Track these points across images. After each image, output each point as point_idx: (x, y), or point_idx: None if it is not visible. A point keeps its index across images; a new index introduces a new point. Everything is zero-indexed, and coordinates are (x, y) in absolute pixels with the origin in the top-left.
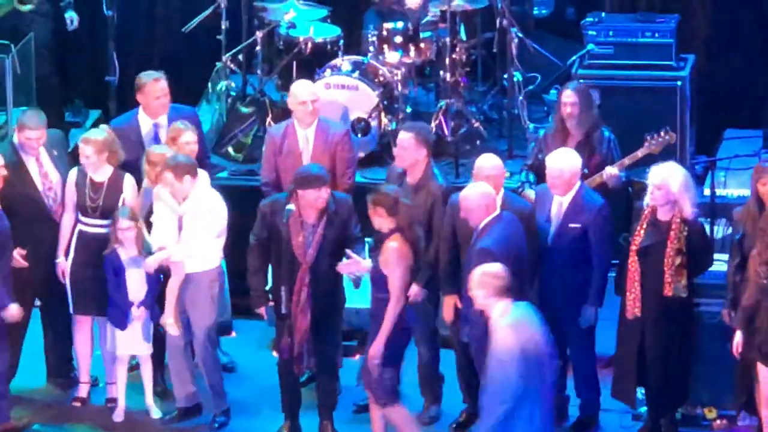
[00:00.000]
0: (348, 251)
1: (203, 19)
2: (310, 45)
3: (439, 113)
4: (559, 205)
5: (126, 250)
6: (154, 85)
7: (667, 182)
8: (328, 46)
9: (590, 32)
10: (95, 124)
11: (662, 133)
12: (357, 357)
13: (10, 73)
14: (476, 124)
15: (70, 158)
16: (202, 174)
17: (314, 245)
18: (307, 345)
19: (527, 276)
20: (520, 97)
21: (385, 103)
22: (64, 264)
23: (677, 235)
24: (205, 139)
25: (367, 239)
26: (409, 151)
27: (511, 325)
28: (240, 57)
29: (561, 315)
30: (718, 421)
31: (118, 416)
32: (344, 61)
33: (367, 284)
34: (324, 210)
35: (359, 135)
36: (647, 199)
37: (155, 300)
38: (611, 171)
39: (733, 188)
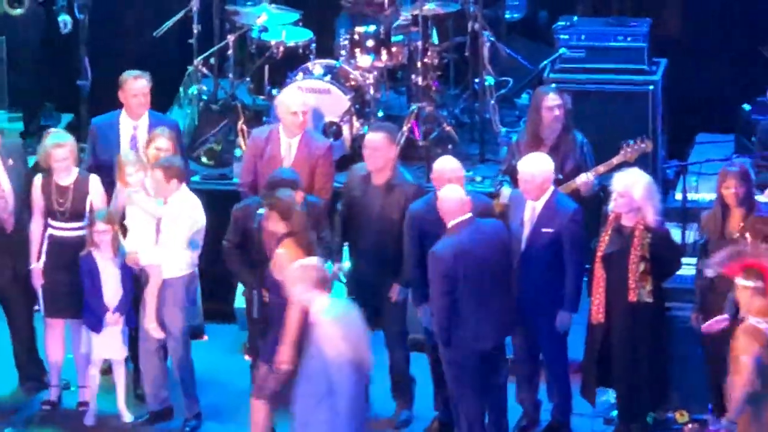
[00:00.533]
0: None
1: (175, 23)
2: (282, 49)
3: (410, 117)
4: (532, 209)
5: (101, 253)
6: (133, 82)
7: (630, 190)
8: (300, 50)
9: (562, 36)
10: (68, 128)
11: (638, 141)
12: None
13: None
14: (448, 128)
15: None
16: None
17: None
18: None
19: (497, 284)
20: (492, 101)
21: (357, 107)
22: (38, 269)
23: (640, 242)
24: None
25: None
26: (382, 151)
27: (334, 318)
28: (212, 61)
29: (534, 319)
30: (690, 425)
31: (90, 420)
32: (316, 65)
33: (339, 288)
34: None
35: (331, 139)
36: (611, 206)
37: (131, 304)
38: (585, 178)
39: (705, 193)
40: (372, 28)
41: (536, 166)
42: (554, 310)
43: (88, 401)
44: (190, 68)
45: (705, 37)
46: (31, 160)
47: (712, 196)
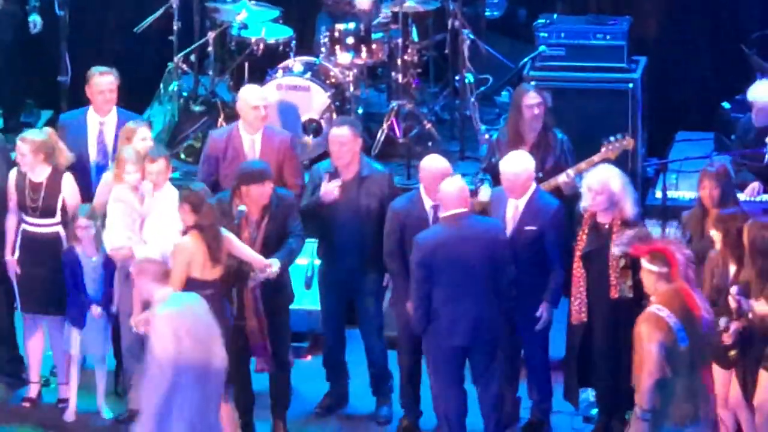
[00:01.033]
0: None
1: (155, 20)
2: (262, 46)
3: (390, 114)
4: (515, 208)
5: (83, 248)
6: (99, 78)
7: (608, 185)
8: (280, 47)
9: (542, 34)
10: (47, 125)
11: (620, 138)
12: (308, 358)
13: None
14: (428, 126)
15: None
16: None
17: (259, 241)
18: (264, 343)
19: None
20: (472, 99)
21: (337, 104)
22: (13, 262)
23: (619, 237)
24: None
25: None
26: (349, 145)
27: (169, 313)
28: (192, 58)
29: (516, 317)
30: None
31: (70, 416)
32: (296, 62)
33: (317, 285)
34: (267, 206)
35: (311, 136)
36: (585, 204)
37: (111, 300)
38: (566, 177)
39: (685, 190)
40: (352, 25)
41: (518, 165)
42: (536, 309)
43: (69, 398)
44: (170, 65)
45: (685, 35)
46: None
47: (692, 194)
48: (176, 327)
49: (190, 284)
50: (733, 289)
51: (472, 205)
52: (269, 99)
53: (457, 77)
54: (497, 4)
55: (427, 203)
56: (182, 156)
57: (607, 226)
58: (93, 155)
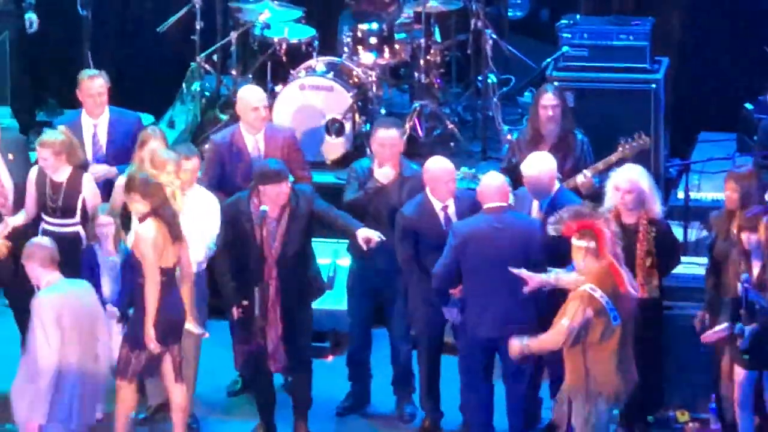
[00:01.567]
0: None
1: (178, 20)
2: (284, 46)
3: (413, 114)
4: (538, 208)
5: (102, 247)
6: (89, 82)
7: (637, 184)
8: (303, 47)
9: (565, 34)
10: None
11: (636, 138)
12: (330, 358)
13: None
14: (450, 126)
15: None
16: None
17: (278, 239)
18: (282, 342)
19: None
20: (495, 99)
21: (360, 104)
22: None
23: (646, 237)
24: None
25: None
26: (398, 146)
27: (52, 298)
28: (214, 57)
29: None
30: (691, 425)
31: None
32: (319, 62)
33: (340, 284)
34: (286, 204)
35: (333, 136)
36: (609, 204)
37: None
38: (584, 177)
39: (707, 191)
40: (375, 25)
41: (540, 167)
42: (557, 309)
43: None
44: (193, 65)
45: (707, 36)
46: (33, 156)
47: (714, 194)
48: (59, 313)
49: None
50: (742, 276)
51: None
52: (267, 98)
53: (479, 78)
54: (520, 5)
55: (437, 205)
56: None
57: (632, 226)
58: (90, 156)
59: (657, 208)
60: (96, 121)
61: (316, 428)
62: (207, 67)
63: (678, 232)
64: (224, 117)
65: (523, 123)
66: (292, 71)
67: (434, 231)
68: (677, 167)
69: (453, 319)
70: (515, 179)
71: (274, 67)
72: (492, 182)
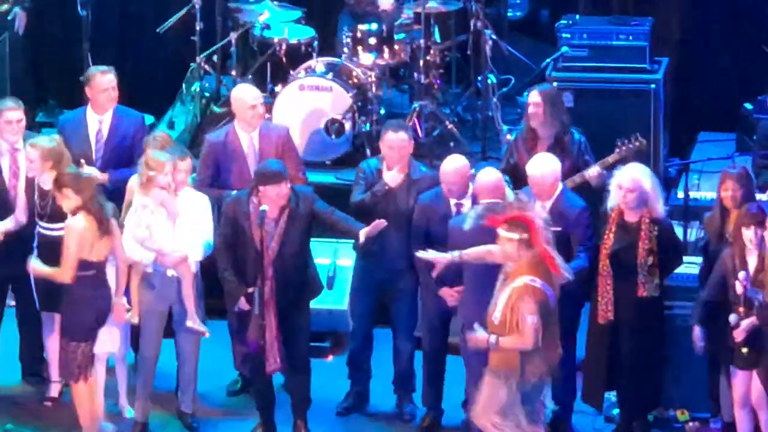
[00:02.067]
0: None
1: (178, 20)
2: (284, 46)
3: (413, 115)
4: (541, 209)
5: None
6: (101, 77)
7: (640, 183)
8: (303, 48)
9: (564, 35)
10: None
11: (633, 140)
12: (330, 358)
13: None
14: (450, 126)
15: None
16: None
17: (276, 238)
18: (277, 342)
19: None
20: (494, 99)
21: (359, 104)
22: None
23: (648, 236)
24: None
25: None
26: (407, 149)
27: None
28: (214, 58)
29: None
30: (691, 424)
31: None
32: (318, 63)
33: (339, 284)
34: (286, 205)
35: (333, 136)
36: (611, 203)
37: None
38: (594, 170)
39: (707, 191)
40: (374, 26)
41: (545, 167)
42: (564, 307)
43: None
44: (193, 65)
45: (707, 36)
46: None
47: (714, 194)
48: None
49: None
50: (741, 274)
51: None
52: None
53: (479, 78)
54: (520, 5)
55: (452, 200)
56: None
57: (634, 225)
58: (93, 153)
59: (659, 208)
60: (101, 118)
61: (316, 428)
62: (207, 67)
63: (677, 231)
64: (219, 110)
65: (522, 123)
66: (291, 72)
67: (444, 224)
68: (677, 167)
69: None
70: (514, 179)
71: (273, 67)
72: (486, 178)
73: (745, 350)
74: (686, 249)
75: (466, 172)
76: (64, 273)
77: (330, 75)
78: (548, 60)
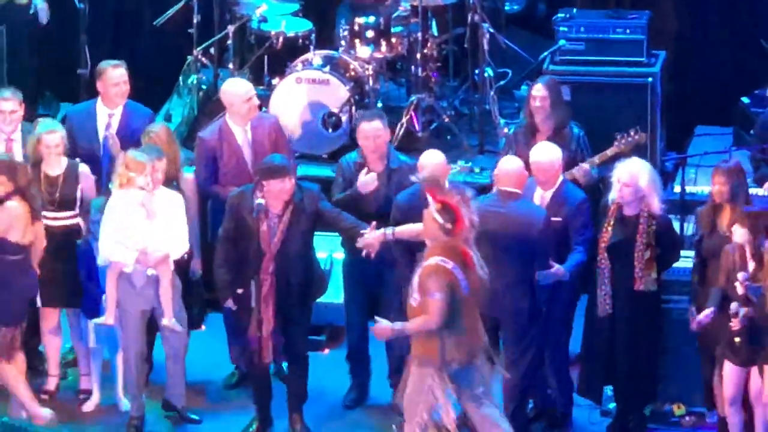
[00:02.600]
0: None
1: (175, 13)
2: (281, 39)
3: (410, 108)
4: (542, 199)
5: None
6: (113, 71)
7: (636, 178)
8: (300, 41)
9: (561, 28)
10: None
11: (632, 133)
12: (326, 351)
13: None
14: (447, 119)
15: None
16: None
17: (279, 234)
18: (274, 336)
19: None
20: (492, 93)
21: (356, 97)
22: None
23: (646, 230)
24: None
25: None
26: (383, 137)
27: None
28: (212, 51)
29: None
30: (687, 418)
31: (89, 407)
32: (315, 56)
33: (336, 277)
34: (289, 200)
35: (330, 130)
36: (612, 196)
37: None
38: (583, 167)
39: (704, 185)
40: (372, 19)
41: (551, 155)
42: (560, 300)
43: (89, 389)
44: (190, 58)
45: (704, 30)
46: None
47: (712, 188)
48: None
49: (3, 248)
50: (741, 275)
51: None
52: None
53: (476, 71)
54: None
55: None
56: None
57: (633, 219)
58: (102, 147)
59: (655, 204)
60: (112, 111)
61: (313, 420)
62: (204, 60)
63: (674, 225)
64: (214, 98)
65: (520, 116)
66: (288, 64)
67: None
68: (673, 161)
69: None
70: None
71: (271, 60)
72: (506, 166)
73: (737, 340)
74: (683, 243)
75: (443, 167)
76: None
77: (327, 68)
78: (545, 53)
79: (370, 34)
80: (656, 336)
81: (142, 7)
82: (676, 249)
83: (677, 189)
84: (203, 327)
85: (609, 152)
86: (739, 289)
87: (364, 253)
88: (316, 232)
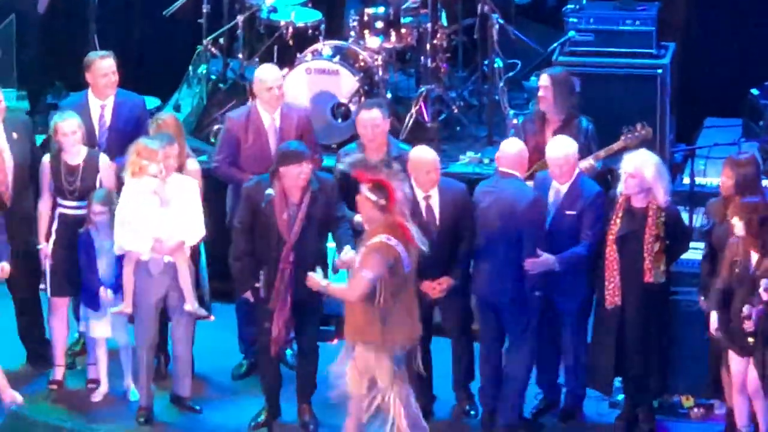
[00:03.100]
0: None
1: (184, 3)
2: (291, 29)
3: (419, 99)
4: (557, 192)
5: (99, 233)
6: (100, 62)
7: (641, 170)
8: (309, 31)
9: (571, 19)
10: None
11: (639, 128)
12: (335, 342)
13: None
14: (456, 110)
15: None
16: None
17: (298, 223)
18: (289, 325)
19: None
20: (501, 84)
21: (366, 88)
22: (46, 249)
23: (654, 222)
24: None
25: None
26: (382, 126)
27: None
28: (221, 41)
29: (555, 303)
30: (695, 410)
31: (97, 396)
32: (325, 46)
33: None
34: (306, 188)
35: (339, 120)
36: (620, 188)
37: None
38: (587, 164)
39: (713, 177)
40: (381, 9)
41: (566, 149)
42: (575, 294)
43: (97, 379)
44: (200, 48)
45: (714, 21)
46: (39, 139)
47: (720, 180)
48: None
49: None
50: (764, 282)
51: (466, 192)
52: (282, 78)
53: (485, 62)
54: None
55: (419, 194)
56: (212, 139)
57: (642, 211)
58: (97, 138)
59: (660, 196)
60: (104, 102)
61: (321, 410)
62: (213, 50)
63: (683, 217)
64: (226, 92)
65: (529, 108)
66: (298, 55)
67: (415, 219)
68: (683, 152)
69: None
70: None
71: (280, 50)
72: (506, 148)
73: (751, 340)
74: (692, 235)
75: (433, 163)
76: None
77: (337, 58)
78: (555, 45)
79: (379, 24)
80: (665, 328)
81: None
82: (685, 240)
83: (686, 180)
84: (212, 317)
85: (615, 147)
86: (764, 296)
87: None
88: None
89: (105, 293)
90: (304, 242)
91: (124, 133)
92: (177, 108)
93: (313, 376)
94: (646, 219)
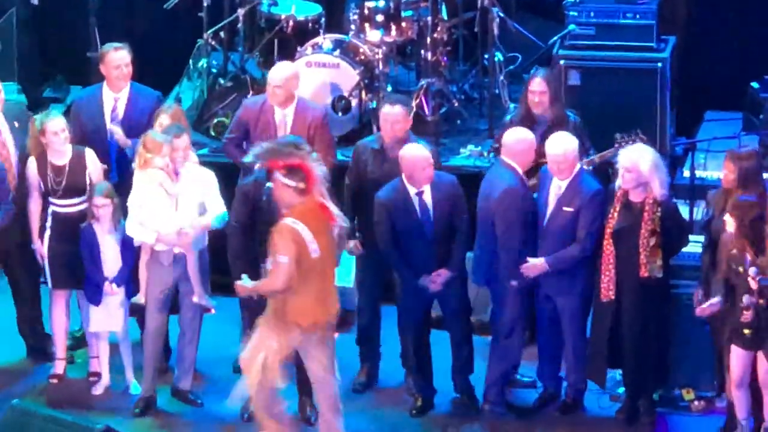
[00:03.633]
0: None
1: None
2: (291, 23)
3: (419, 92)
4: (557, 188)
5: (101, 225)
6: (114, 54)
7: (637, 164)
8: (310, 24)
9: (572, 13)
10: None
11: (633, 136)
12: (336, 335)
13: None
14: (457, 104)
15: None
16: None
17: None
18: None
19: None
20: (501, 77)
21: (366, 81)
22: (41, 247)
23: (651, 216)
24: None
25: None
26: (402, 123)
27: None
28: (221, 34)
29: (554, 298)
30: (696, 403)
31: (98, 390)
32: (325, 40)
33: (346, 261)
34: None
35: (339, 113)
36: (618, 182)
37: (130, 277)
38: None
39: (713, 170)
40: (382, 2)
41: (565, 145)
42: (574, 289)
43: (99, 372)
44: (200, 41)
45: (714, 15)
46: None
47: (720, 173)
48: None
49: None
50: (752, 270)
51: (457, 185)
52: (289, 78)
53: (486, 55)
54: None
55: (411, 190)
56: (212, 132)
57: (639, 205)
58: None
59: (657, 190)
60: (117, 95)
61: None
62: (214, 43)
63: (683, 210)
64: (227, 85)
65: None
66: (299, 48)
67: (408, 216)
68: (683, 146)
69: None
70: None
71: (281, 44)
72: (506, 137)
73: (747, 331)
74: (692, 228)
75: (426, 160)
76: None
77: (337, 52)
78: (555, 38)
79: (380, 18)
80: (663, 322)
81: None
82: (683, 234)
83: (686, 174)
84: (213, 310)
85: (608, 153)
86: (753, 284)
87: None
88: None
89: (110, 287)
90: None
91: (138, 127)
92: (178, 101)
93: None
94: (642, 213)
